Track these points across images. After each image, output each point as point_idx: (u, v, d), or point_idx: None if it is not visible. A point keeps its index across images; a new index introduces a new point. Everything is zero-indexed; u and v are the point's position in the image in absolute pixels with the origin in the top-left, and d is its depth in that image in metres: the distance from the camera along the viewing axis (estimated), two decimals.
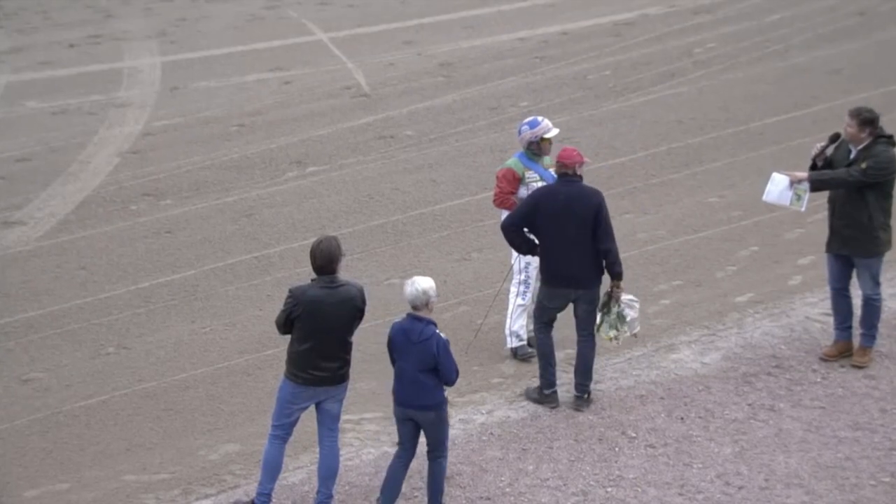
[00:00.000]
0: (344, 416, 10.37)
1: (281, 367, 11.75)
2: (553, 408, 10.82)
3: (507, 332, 11.74)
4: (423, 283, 9.48)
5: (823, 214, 11.59)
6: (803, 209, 11.31)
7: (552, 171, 11.70)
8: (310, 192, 15.41)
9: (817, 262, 12.45)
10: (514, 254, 11.59)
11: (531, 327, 11.82)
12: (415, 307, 9.48)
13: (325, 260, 9.49)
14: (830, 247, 11.46)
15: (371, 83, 18.84)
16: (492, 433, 10.69)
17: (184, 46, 20.77)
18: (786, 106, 16.98)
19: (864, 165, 11.05)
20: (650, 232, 13.99)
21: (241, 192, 15.48)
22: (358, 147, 16.67)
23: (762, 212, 14.20)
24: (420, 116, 17.63)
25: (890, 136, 11.22)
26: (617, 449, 10.48)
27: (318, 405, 9.71)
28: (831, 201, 11.41)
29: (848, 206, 11.20)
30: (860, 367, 11.39)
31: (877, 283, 11.38)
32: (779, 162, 15.16)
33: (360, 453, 10.46)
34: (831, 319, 11.76)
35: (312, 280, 9.56)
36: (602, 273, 10.78)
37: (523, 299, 11.60)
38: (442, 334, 9.45)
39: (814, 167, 11.42)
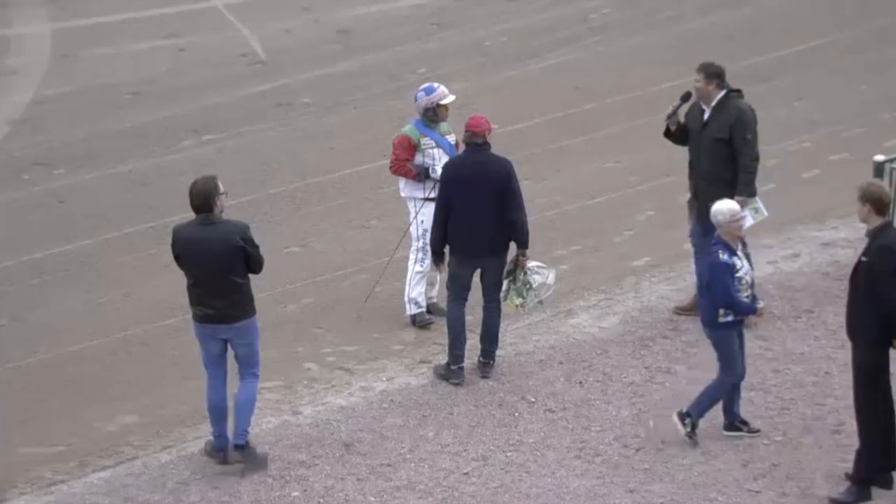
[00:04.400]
0: None
1: (178, 336, 11.68)
2: (457, 384, 10.82)
3: (405, 299, 11.74)
4: (716, 205, 9.98)
5: None
6: (766, 214, 11.42)
7: (449, 138, 11.72)
8: (207, 160, 15.26)
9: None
10: (412, 221, 11.61)
11: (430, 294, 11.85)
12: None
13: (201, 198, 9.60)
14: (693, 208, 11.61)
15: (267, 50, 18.67)
16: (392, 400, 10.71)
17: (74, 13, 20.39)
18: (680, 71, 17.08)
19: (748, 136, 11.21)
20: (548, 198, 14.06)
21: (136, 162, 15.29)
22: (255, 115, 16.52)
23: (658, 176, 14.34)
24: (317, 84, 17.51)
25: (738, 90, 11.43)
26: (517, 414, 10.55)
27: (231, 347, 9.80)
28: (693, 162, 11.56)
29: (712, 164, 11.36)
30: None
31: None
32: None
33: (259, 422, 10.42)
34: None
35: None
36: (509, 241, 10.85)
37: (421, 266, 11.62)
38: (722, 255, 9.75)
39: (667, 132, 11.58)
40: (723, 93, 11.32)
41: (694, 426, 10.01)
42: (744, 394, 10.68)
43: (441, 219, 10.78)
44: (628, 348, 11.40)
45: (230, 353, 9.86)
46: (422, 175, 11.44)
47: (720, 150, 11.28)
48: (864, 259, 9.24)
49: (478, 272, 10.92)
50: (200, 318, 9.72)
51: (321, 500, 9.60)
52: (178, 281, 12.48)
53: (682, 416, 10.03)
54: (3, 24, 20.08)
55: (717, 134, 11.27)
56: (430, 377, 10.98)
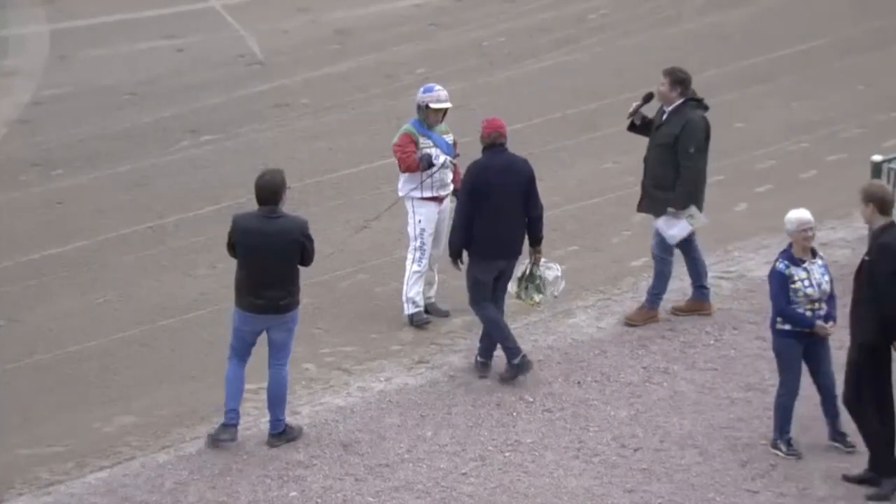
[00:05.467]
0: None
1: (176, 337, 11.66)
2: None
3: (403, 299, 11.74)
4: (789, 214, 9.86)
5: (716, 178, 11.73)
6: (704, 220, 11.40)
7: (447, 137, 11.71)
8: (204, 161, 15.26)
9: (708, 227, 12.59)
10: (409, 220, 11.61)
11: (429, 294, 11.84)
12: None
13: (267, 192, 9.82)
14: (640, 207, 11.64)
15: (265, 51, 18.67)
16: (390, 400, 10.71)
17: (72, 14, 20.38)
18: None
19: (691, 150, 11.21)
20: (546, 198, 13.90)
21: (134, 162, 15.28)
22: (253, 116, 16.52)
23: None
24: (315, 84, 17.51)
25: (700, 100, 11.43)
26: (515, 414, 10.55)
27: (268, 333, 9.93)
28: (645, 161, 11.60)
29: (658, 166, 11.41)
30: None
31: (664, 247, 11.49)
32: None
33: (258, 422, 10.41)
34: (723, 282, 11.98)
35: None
36: (524, 240, 10.89)
37: (419, 265, 11.61)
38: (779, 264, 9.70)
39: (632, 126, 11.60)
40: (682, 100, 11.32)
41: (787, 444, 9.88)
42: (742, 394, 10.71)
43: (465, 222, 10.76)
44: (626, 348, 11.40)
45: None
46: (424, 163, 11.44)
47: (664, 154, 11.35)
48: (866, 258, 9.28)
49: None
50: (248, 308, 9.84)
51: (319, 501, 9.60)
52: (175, 282, 12.52)
53: (773, 445, 9.91)
54: (0, 24, 20.07)
55: (664, 139, 11.34)
56: (428, 378, 10.98)
